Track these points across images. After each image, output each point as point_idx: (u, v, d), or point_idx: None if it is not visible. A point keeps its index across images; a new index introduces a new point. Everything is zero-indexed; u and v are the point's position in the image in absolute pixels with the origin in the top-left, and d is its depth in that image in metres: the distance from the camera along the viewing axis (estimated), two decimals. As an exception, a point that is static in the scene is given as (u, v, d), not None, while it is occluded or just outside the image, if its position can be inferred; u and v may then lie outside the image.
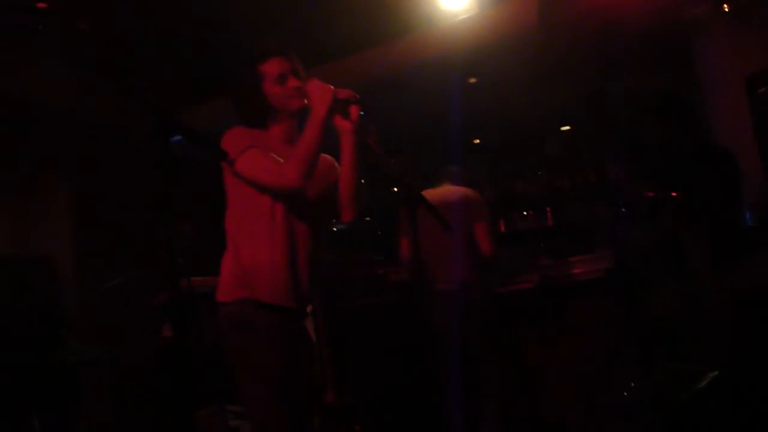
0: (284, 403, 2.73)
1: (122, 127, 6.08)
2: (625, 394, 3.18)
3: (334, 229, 9.68)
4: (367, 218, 9.71)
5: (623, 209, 4.74)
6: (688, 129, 3.84)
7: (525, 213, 9.02)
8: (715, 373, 2.72)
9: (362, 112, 2.89)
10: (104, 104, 5.58)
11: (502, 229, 8.93)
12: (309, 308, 3.04)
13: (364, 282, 6.18)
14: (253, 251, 2.83)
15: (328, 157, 3.11)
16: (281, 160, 2.80)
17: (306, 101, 2.86)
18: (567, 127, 8.83)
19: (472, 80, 6.79)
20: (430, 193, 4.62)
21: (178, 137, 2.18)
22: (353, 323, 5.55)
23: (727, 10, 4.69)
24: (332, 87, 2.79)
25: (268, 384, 2.72)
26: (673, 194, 3.39)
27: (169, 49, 5.69)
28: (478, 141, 8.75)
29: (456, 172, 4.95)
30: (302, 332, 2.97)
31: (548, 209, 8.93)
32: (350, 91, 2.87)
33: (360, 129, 2.86)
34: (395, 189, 9.01)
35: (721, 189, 3.48)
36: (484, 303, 4.65)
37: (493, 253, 4.71)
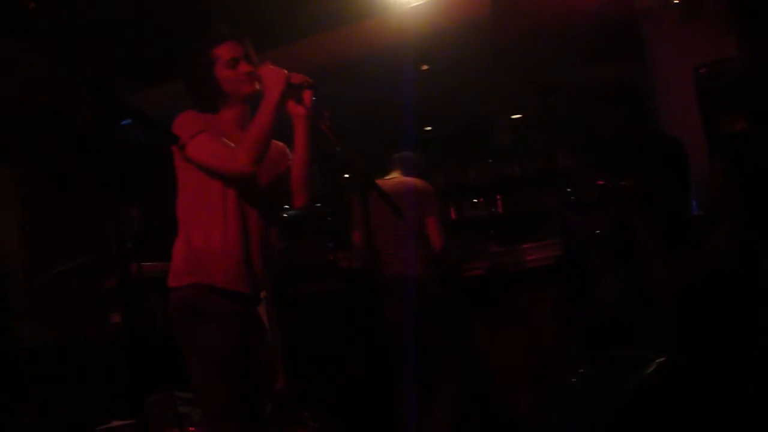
0: (236, 388, 2.72)
1: (68, 110, 5.97)
2: (573, 379, 3.21)
3: (285, 215, 9.66)
4: (318, 204, 9.69)
5: (573, 197, 4.79)
6: (637, 118, 3.89)
7: (475, 201, 9.08)
8: (662, 359, 2.76)
9: (314, 98, 2.89)
10: (50, 86, 5.47)
11: (453, 216, 8.98)
12: (263, 294, 3.03)
13: (314, 268, 6.16)
14: (205, 236, 2.81)
15: (280, 143, 3.10)
16: (232, 145, 2.78)
17: (258, 86, 2.86)
18: (518, 116, 8.89)
19: (424, 67, 6.79)
20: (381, 183, 4.60)
21: (126, 121, 2.14)
22: (303, 309, 5.54)
23: (676, 1, 4.74)
24: (286, 71, 2.78)
25: (219, 368, 2.70)
26: (623, 182, 3.42)
27: (117, 31, 5.58)
28: (429, 128, 8.77)
29: (408, 159, 4.93)
30: (255, 317, 2.95)
31: (498, 197, 8.99)
32: (304, 75, 2.86)
33: (313, 114, 2.85)
34: (345, 176, 9.02)
35: (669, 177, 3.52)
36: (437, 291, 4.65)
37: (443, 248, 4.69)
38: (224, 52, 2.88)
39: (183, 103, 2.95)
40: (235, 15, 5.28)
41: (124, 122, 2.11)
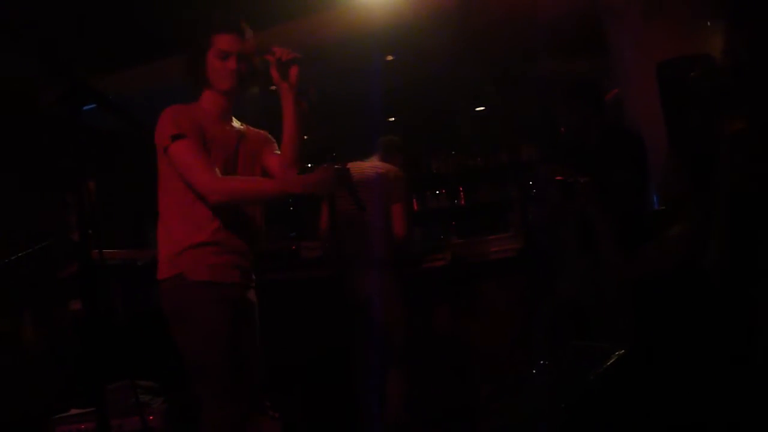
0: (232, 371, 2.82)
1: (30, 91, 5.86)
2: (534, 371, 3.25)
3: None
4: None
5: (534, 190, 4.82)
6: (598, 113, 3.92)
7: (438, 192, 9.09)
8: (621, 351, 2.80)
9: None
10: (9, 66, 5.38)
11: (415, 207, 8.98)
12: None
13: (276, 257, 6.14)
14: (187, 229, 2.86)
15: (262, 132, 3.18)
16: (208, 161, 2.81)
17: (235, 83, 2.92)
18: (481, 108, 8.91)
19: (389, 58, 6.78)
20: (354, 166, 4.59)
21: (91, 105, 2.12)
22: (264, 298, 5.51)
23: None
24: (331, 180, 2.85)
25: (216, 354, 2.78)
26: (582, 178, 3.46)
27: (84, 15, 5.50)
28: (392, 119, 8.77)
29: (391, 144, 4.93)
30: (245, 301, 3.04)
31: (461, 189, 9.02)
32: (291, 51, 2.91)
33: (298, 91, 2.90)
34: (309, 165, 8.99)
35: (628, 172, 3.57)
36: (399, 279, 4.65)
37: (405, 238, 4.68)
38: (221, 41, 2.92)
39: (152, 86, 2.98)
40: (201, 2, 5.25)
41: (88, 107, 2.09)
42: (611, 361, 2.73)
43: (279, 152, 3.12)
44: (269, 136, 3.17)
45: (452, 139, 9.22)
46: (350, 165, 4.49)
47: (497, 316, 5.20)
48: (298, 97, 2.98)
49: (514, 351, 4.88)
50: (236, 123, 3.11)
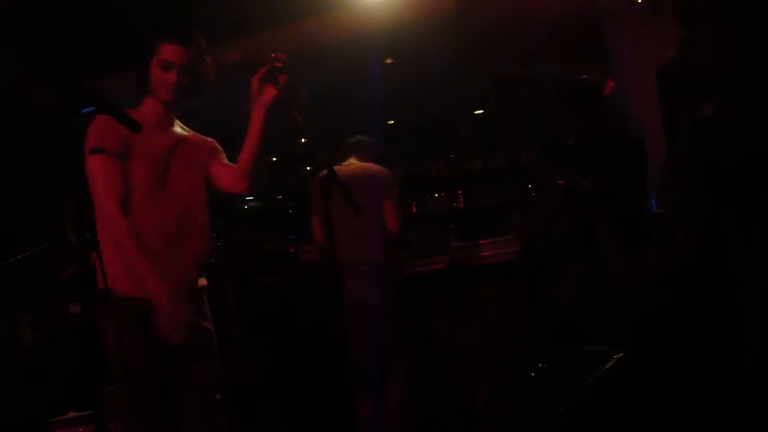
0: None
1: (26, 94, 5.86)
2: (532, 374, 3.24)
3: (246, 207, 9.62)
4: (279, 196, 9.67)
5: (533, 193, 4.82)
6: (598, 115, 3.92)
7: (437, 195, 9.10)
8: (620, 355, 2.79)
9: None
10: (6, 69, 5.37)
11: (414, 210, 8.99)
12: (202, 282, 3.03)
13: (275, 260, 6.14)
14: (115, 244, 2.78)
15: (208, 139, 3.14)
16: (114, 187, 2.77)
17: (174, 96, 2.88)
18: (480, 111, 8.92)
19: (389, 61, 6.79)
20: (339, 169, 4.58)
21: (89, 108, 2.11)
22: (263, 301, 5.52)
23: (639, 1, 4.79)
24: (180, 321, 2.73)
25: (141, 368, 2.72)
26: (584, 181, 3.46)
27: (82, 16, 5.50)
28: (392, 122, 8.78)
29: (363, 144, 4.90)
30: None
31: (460, 192, 9.02)
32: (285, 56, 2.87)
33: (285, 96, 2.86)
34: (308, 168, 9.00)
35: (629, 176, 3.57)
36: (394, 275, 4.64)
37: (400, 232, 4.68)
38: (165, 51, 2.86)
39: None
40: (201, 3, 5.25)
41: (86, 110, 2.08)
42: (610, 365, 2.73)
43: (228, 163, 3.09)
44: (216, 144, 3.12)
45: (451, 142, 9.24)
46: (337, 168, 4.51)
47: (495, 320, 5.19)
48: (268, 113, 2.92)
49: (512, 354, 4.88)
50: (178, 129, 3.06)
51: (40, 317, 5.25)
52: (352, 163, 4.76)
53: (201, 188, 3.03)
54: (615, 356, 2.77)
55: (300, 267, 5.77)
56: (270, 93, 2.90)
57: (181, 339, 2.68)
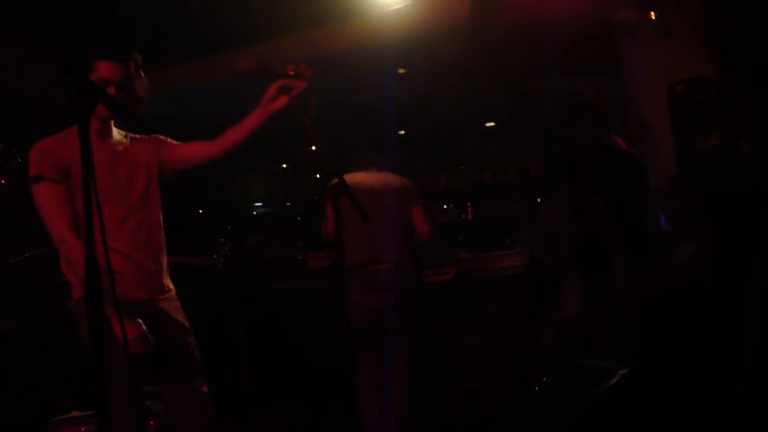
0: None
1: (38, 95, 5.87)
2: (538, 388, 3.24)
3: (254, 213, 9.64)
4: (288, 204, 9.68)
5: (542, 207, 4.82)
6: (608, 132, 3.92)
7: (445, 206, 9.10)
8: (625, 370, 2.79)
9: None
10: (19, 70, 5.39)
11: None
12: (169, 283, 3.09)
13: (282, 267, 6.14)
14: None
15: (150, 137, 3.19)
16: (59, 209, 2.81)
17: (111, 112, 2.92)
18: (492, 123, 8.92)
19: (401, 71, 6.79)
20: (359, 177, 4.58)
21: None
22: (269, 307, 5.52)
23: (653, 18, 4.78)
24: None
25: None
26: (596, 196, 3.46)
27: (92, 16, 5.52)
28: (403, 132, 8.78)
29: (386, 157, 4.93)
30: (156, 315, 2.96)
31: (469, 204, 9.02)
32: (303, 66, 2.92)
33: (297, 104, 2.89)
34: (318, 176, 9.01)
35: (641, 191, 3.57)
36: (409, 281, 4.63)
37: (431, 234, 4.71)
38: (102, 68, 2.89)
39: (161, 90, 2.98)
40: (217, 9, 5.27)
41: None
42: (615, 380, 2.72)
43: (185, 143, 3.18)
44: (158, 136, 3.19)
45: (461, 154, 9.24)
46: (354, 176, 4.52)
47: (502, 332, 5.18)
48: (271, 117, 3.00)
49: (517, 367, 4.87)
50: (118, 136, 3.10)
51: (45, 316, 5.26)
52: (371, 173, 4.78)
53: (152, 189, 3.09)
54: (620, 371, 2.77)
55: (307, 274, 5.78)
56: (282, 101, 2.97)
57: (142, 350, 2.68)
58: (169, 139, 3.21)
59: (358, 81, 6.53)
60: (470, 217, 9.02)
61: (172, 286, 3.11)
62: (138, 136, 3.17)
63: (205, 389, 3.05)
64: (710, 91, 3.78)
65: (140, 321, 2.74)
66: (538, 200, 7.99)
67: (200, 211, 8.58)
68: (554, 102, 5.68)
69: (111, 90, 2.86)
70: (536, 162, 8.55)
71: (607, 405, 2.68)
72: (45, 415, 4.26)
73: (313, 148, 2.61)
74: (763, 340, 2.13)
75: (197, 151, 3.17)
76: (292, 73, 2.90)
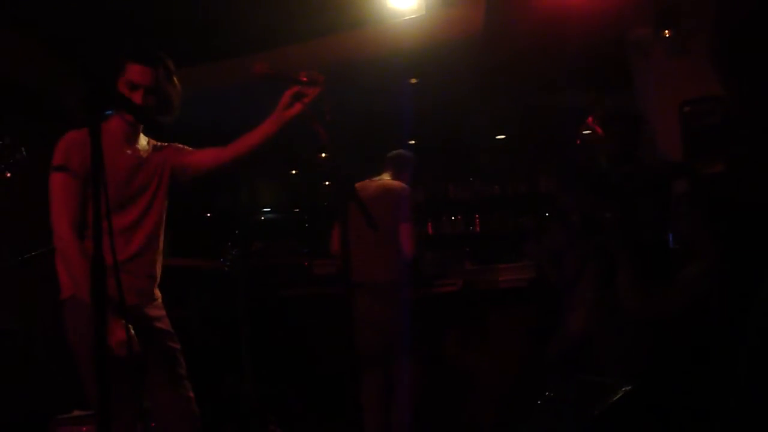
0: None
1: (49, 93, 5.88)
2: (539, 402, 3.22)
3: (262, 218, 9.65)
4: (296, 210, 9.69)
5: (551, 221, 4.81)
6: (636, 145, 3.90)
7: (453, 217, 9.10)
8: (629, 387, 2.78)
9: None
10: (31, 68, 5.41)
11: (430, 231, 8.99)
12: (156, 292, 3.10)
13: (289, 273, 6.14)
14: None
15: (168, 145, 3.19)
16: (69, 207, 2.81)
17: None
18: (502, 136, 8.92)
19: (413, 81, 6.80)
20: (364, 186, 4.60)
21: (113, 109, 2.13)
22: (275, 313, 5.52)
23: (667, 35, 4.78)
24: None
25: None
26: (608, 212, 3.45)
27: (108, 16, 5.54)
28: (413, 142, 8.78)
29: (401, 159, 4.94)
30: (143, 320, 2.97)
31: (477, 215, 9.02)
32: (318, 73, 2.91)
33: (312, 111, 2.88)
34: (327, 183, 9.01)
35: (655, 210, 3.56)
36: (406, 295, 4.64)
37: (413, 255, 4.68)
38: (133, 71, 2.89)
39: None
40: (232, 16, 5.29)
41: (109, 112, 2.10)
42: (617, 397, 2.71)
43: (200, 149, 3.19)
44: (176, 144, 3.20)
45: (471, 166, 9.23)
46: (362, 182, 4.54)
47: (505, 345, 5.18)
48: (285, 126, 3.01)
49: (521, 380, 4.85)
50: (143, 143, 3.11)
51: (50, 314, 5.27)
52: (383, 178, 4.79)
53: (159, 198, 3.09)
54: (622, 389, 2.76)
55: (313, 281, 5.78)
56: (296, 109, 2.96)
57: (124, 353, 2.67)
58: (185, 147, 3.22)
59: (370, 90, 6.53)
60: (478, 228, 9.02)
61: (159, 294, 3.12)
62: (159, 144, 3.18)
63: (191, 395, 3.04)
64: (718, 115, 3.78)
65: (129, 325, 2.75)
66: (546, 214, 7.98)
67: (208, 214, 8.60)
68: (565, 116, 5.68)
69: (139, 94, 2.87)
70: (546, 176, 8.55)
71: (609, 422, 2.67)
72: (47, 413, 4.27)
73: (323, 155, 2.60)
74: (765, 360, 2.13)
75: (209, 157, 3.17)
76: (305, 79, 2.89)
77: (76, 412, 4.19)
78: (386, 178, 4.81)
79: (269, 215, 9.70)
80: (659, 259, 3.43)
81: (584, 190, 4.15)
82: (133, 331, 2.73)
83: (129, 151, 3.00)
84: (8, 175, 3.01)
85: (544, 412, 3.16)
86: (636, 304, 3.17)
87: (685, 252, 3.24)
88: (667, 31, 4.73)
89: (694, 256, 3.09)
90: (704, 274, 2.99)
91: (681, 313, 2.96)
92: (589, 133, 4.07)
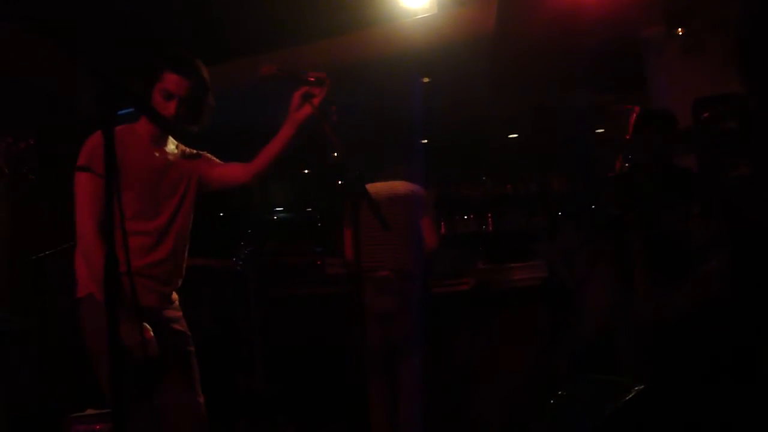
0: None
1: (64, 92, 5.91)
2: (552, 401, 3.22)
3: (275, 218, 9.67)
4: (309, 209, 9.70)
5: (566, 220, 4.79)
6: (671, 145, 3.87)
7: (466, 216, 9.08)
8: (641, 386, 2.77)
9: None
10: (47, 68, 5.44)
11: (443, 230, 8.98)
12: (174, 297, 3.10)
13: (301, 272, 6.16)
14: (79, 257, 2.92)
15: (200, 153, 3.20)
16: (95, 208, 2.79)
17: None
18: (515, 135, 8.90)
19: (426, 80, 6.80)
20: (377, 186, 4.62)
21: (128, 108, 2.13)
22: (287, 312, 5.53)
23: (680, 33, 4.77)
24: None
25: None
26: (628, 213, 3.44)
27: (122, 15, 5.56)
28: (425, 141, 8.78)
29: (407, 166, 4.95)
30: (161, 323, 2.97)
31: (489, 215, 9.00)
32: (320, 73, 2.91)
33: (318, 113, 2.88)
34: (339, 182, 9.01)
35: (679, 211, 3.54)
36: (418, 289, 4.64)
37: (437, 246, 4.72)
38: (168, 79, 2.91)
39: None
40: (243, 14, 5.30)
41: (123, 111, 2.10)
42: (629, 396, 2.71)
43: (229, 163, 3.20)
44: (206, 154, 3.21)
45: (483, 165, 9.22)
46: (379, 185, 4.55)
47: (517, 344, 5.16)
48: (300, 130, 3.01)
49: (531, 380, 4.85)
50: (172, 146, 3.12)
51: (64, 313, 5.30)
52: (395, 181, 4.80)
53: (187, 204, 3.10)
54: (635, 388, 2.75)
55: (326, 280, 5.79)
56: (306, 110, 2.96)
57: (143, 356, 2.67)
58: (214, 158, 3.23)
59: (382, 89, 6.54)
60: (490, 228, 9.01)
61: (176, 296, 3.12)
62: (189, 150, 3.20)
63: (201, 399, 3.04)
64: (736, 118, 3.74)
65: (147, 326, 2.75)
66: (559, 213, 7.96)
67: (221, 213, 8.62)
68: (577, 115, 5.66)
69: (173, 103, 2.89)
70: (558, 175, 8.53)
71: (622, 421, 2.67)
72: (62, 411, 4.29)
73: (335, 155, 2.61)
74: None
75: (236, 173, 3.17)
76: (312, 79, 2.90)
77: (90, 411, 4.20)
78: (399, 180, 4.81)
79: (281, 215, 9.72)
80: (678, 259, 3.41)
81: (608, 189, 4.13)
82: (152, 333, 2.75)
83: (157, 153, 3.02)
84: (32, 177, 3.02)
85: (557, 411, 3.15)
86: (652, 303, 3.16)
87: (699, 254, 3.22)
88: (679, 29, 4.72)
89: (708, 258, 3.08)
90: (721, 274, 2.98)
91: (697, 312, 2.95)
92: (621, 132, 4.05)
